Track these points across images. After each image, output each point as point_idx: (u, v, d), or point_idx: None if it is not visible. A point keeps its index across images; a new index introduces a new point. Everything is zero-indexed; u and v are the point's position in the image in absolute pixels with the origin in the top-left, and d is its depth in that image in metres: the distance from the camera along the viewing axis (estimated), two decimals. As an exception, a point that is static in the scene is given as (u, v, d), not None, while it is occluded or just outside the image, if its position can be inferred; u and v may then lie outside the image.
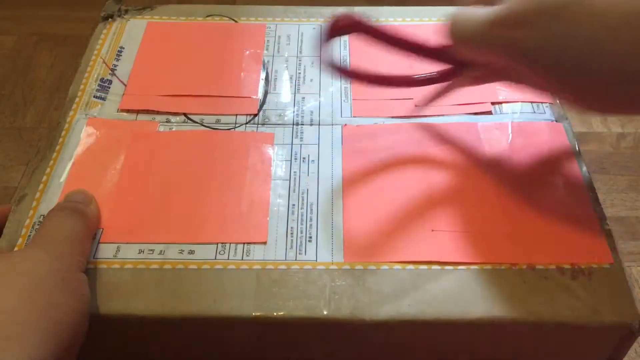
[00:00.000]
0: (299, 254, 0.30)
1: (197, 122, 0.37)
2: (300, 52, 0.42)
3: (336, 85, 0.39)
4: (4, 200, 0.50)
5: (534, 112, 0.37)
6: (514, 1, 0.26)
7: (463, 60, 0.31)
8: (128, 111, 0.38)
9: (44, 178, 0.34)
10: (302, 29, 0.43)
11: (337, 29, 0.28)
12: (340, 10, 0.45)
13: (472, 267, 0.30)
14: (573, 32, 0.24)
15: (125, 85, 0.39)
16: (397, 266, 0.30)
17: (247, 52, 0.41)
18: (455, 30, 0.29)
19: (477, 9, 0.28)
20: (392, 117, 0.37)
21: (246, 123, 0.37)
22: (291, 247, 0.31)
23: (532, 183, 0.33)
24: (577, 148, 0.35)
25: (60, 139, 0.36)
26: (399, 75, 0.34)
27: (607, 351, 0.30)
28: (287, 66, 0.41)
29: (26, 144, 0.56)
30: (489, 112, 0.37)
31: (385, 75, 0.34)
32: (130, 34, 0.43)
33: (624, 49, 0.23)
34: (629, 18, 0.23)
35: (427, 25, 0.43)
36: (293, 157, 0.35)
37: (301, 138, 0.36)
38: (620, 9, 0.23)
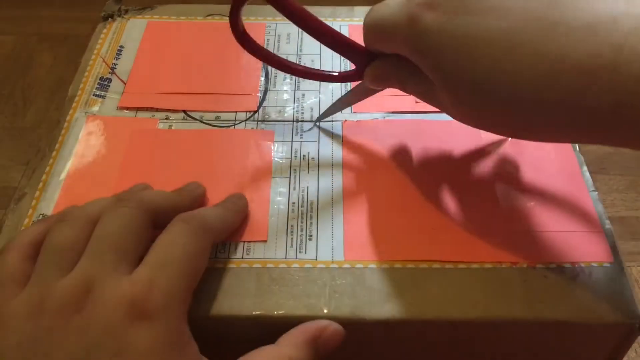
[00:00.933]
0: (299, 252, 0.30)
1: (196, 119, 0.37)
2: (301, 50, 0.41)
3: (336, 83, 0.39)
4: (4, 200, 0.50)
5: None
6: None
7: (370, 59, 0.30)
8: (127, 109, 0.37)
9: (44, 176, 0.34)
10: (302, 28, 0.43)
11: None
12: (341, 9, 0.45)
13: (473, 265, 0.30)
14: (470, 25, 0.23)
15: (125, 84, 0.39)
16: (398, 264, 0.30)
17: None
18: (369, 14, 0.28)
19: None
20: (392, 113, 0.37)
21: (246, 120, 0.37)
22: (291, 245, 0.31)
23: (532, 182, 0.33)
24: (577, 147, 0.35)
25: (60, 137, 0.36)
26: (303, 66, 0.34)
27: (607, 350, 0.30)
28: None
29: (26, 144, 0.56)
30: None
31: (286, 61, 0.33)
32: (130, 33, 0.43)
33: (517, 58, 0.22)
34: (524, 24, 0.22)
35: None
36: (293, 155, 0.35)
37: (301, 135, 0.36)
38: (518, 9, 0.23)
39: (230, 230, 0.31)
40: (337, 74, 0.33)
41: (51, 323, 0.24)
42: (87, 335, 0.23)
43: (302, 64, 0.40)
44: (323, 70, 0.33)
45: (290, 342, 0.27)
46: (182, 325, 0.25)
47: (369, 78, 0.31)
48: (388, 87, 0.32)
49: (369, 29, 0.29)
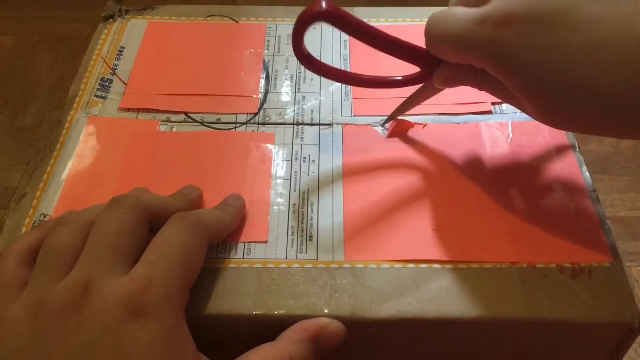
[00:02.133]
0: (300, 252, 0.30)
1: (197, 121, 0.37)
2: (301, 51, 0.42)
3: (336, 85, 0.39)
4: (4, 200, 0.51)
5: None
6: (502, 1, 0.26)
7: (434, 62, 0.31)
8: (128, 110, 0.38)
9: (45, 176, 0.34)
10: (302, 29, 0.43)
11: (310, 15, 0.28)
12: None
13: (473, 265, 0.30)
14: (557, 41, 0.24)
15: (126, 85, 0.39)
16: (398, 265, 0.30)
17: (248, 52, 0.41)
18: (436, 27, 0.29)
19: (460, 8, 0.28)
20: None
21: (246, 122, 0.37)
22: (292, 245, 0.31)
23: (532, 182, 0.33)
24: (577, 147, 0.35)
25: (61, 138, 0.36)
26: (367, 76, 0.34)
27: (608, 349, 0.30)
28: (287, 65, 0.41)
29: (26, 144, 0.56)
30: (489, 112, 0.37)
31: (351, 73, 0.34)
32: (130, 34, 0.43)
33: (610, 68, 0.23)
34: (617, 36, 0.23)
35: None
36: (293, 157, 0.35)
37: (302, 138, 0.36)
38: (607, 23, 0.23)
39: (227, 231, 0.31)
40: (402, 78, 0.33)
41: (50, 325, 0.24)
42: (86, 335, 0.23)
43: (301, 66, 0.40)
44: (389, 77, 0.33)
45: (291, 338, 0.27)
46: (179, 321, 0.25)
47: (440, 80, 0.31)
48: (460, 86, 0.32)
49: (439, 42, 0.29)
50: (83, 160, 0.35)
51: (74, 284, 0.24)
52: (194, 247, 0.27)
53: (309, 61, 0.30)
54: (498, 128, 0.36)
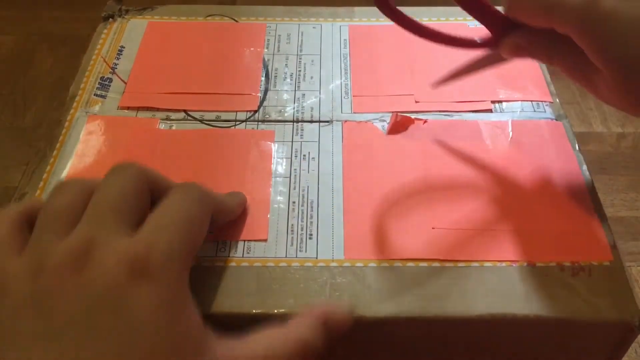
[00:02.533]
0: (300, 251, 0.30)
1: (197, 119, 0.37)
2: (301, 50, 0.42)
3: (336, 83, 0.39)
4: (4, 200, 0.51)
5: (534, 110, 0.37)
6: None
7: (507, 26, 0.29)
8: (128, 108, 0.38)
9: (44, 175, 0.34)
10: (302, 29, 0.43)
11: None
12: (341, 10, 0.45)
13: (473, 264, 0.30)
14: None
15: (126, 84, 0.39)
16: (398, 263, 0.30)
17: (247, 51, 0.41)
18: None
19: None
20: (393, 113, 0.37)
21: (246, 119, 0.37)
22: (292, 244, 0.31)
23: (532, 181, 0.33)
24: (576, 146, 0.35)
25: (61, 137, 0.36)
26: (443, 32, 0.32)
27: (608, 348, 0.30)
28: (287, 64, 0.41)
29: (26, 144, 0.56)
30: (489, 110, 0.37)
31: (428, 28, 0.32)
32: (130, 33, 0.43)
33: None
34: None
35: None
36: (293, 155, 0.35)
37: (301, 135, 0.36)
38: None
39: (230, 215, 0.31)
40: (479, 41, 0.31)
41: (51, 282, 0.23)
42: (88, 294, 0.23)
43: (302, 64, 0.41)
44: (457, 36, 0.31)
45: (300, 323, 0.26)
46: (182, 287, 0.24)
47: (509, 48, 0.29)
48: (528, 58, 0.30)
49: (529, 2, 0.27)
50: (83, 159, 0.35)
51: (76, 243, 0.24)
52: (197, 216, 0.26)
53: (394, 14, 0.30)
54: (498, 127, 0.36)
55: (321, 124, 0.37)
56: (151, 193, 0.27)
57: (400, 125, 0.36)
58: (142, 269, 0.23)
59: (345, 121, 0.37)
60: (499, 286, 0.29)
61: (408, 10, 0.44)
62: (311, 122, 0.37)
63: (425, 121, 0.36)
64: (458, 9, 0.44)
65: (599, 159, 0.59)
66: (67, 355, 0.22)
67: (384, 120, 0.36)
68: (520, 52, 0.29)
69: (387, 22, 0.43)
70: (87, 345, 0.22)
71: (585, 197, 0.32)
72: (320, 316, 0.27)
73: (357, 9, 0.45)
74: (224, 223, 0.31)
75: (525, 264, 0.30)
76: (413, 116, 0.36)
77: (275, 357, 0.25)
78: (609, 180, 0.58)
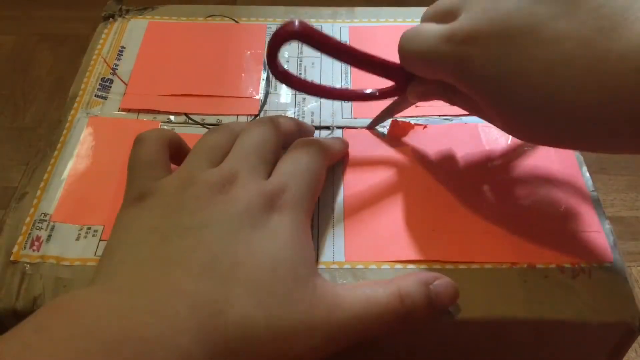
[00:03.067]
0: None
1: (198, 123, 0.37)
2: (301, 52, 0.42)
3: (337, 87, 0.39)
4: (4, 200, 0.51)
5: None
6: (469, 17, 0.27)
7: (408, 76, 0.32)
8: (129, 110, 0.38)
9: (45, 176, 0.34)
10: (302, 29, 0.43)
11: (283, 35, 0.29)
12: (341, 10, 0.45)
13: (473, 266, 0.30)
14: (522, 57, 0.24)
15: (126, 85, 0.39)
16: (398, 265, 0.30)
17: (248, 53, 0.41)
18: (408, 43, 0.30)
19: (430, 25, 0.29)
20: (393, 118, 0.37)
21: (247, 123, 0.37)
22: (292, 246, 0.31)
23: (532, 182, 0.33)
24: (576, 148, 0.35)
25: (62, 138, 0.36)
26: (341, 89, 0.36)
27: (608, 350, 0.30)
28: (287, 67, 0.41)
29: (26, 144, 0.56)
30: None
31: (327, 87, 0.35)
32: (131, 33, 0.43)
33: (575, 83, 0.23)
34: (582, 52, 0.23)
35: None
36: (294, 157, 0.35)
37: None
38: (573, 39, 0.23)
39: (340, 157, 0.34)
40: (377, 92, 0.34)
41: (199, 192, 0.27)
42: (230, 208, 0.27)
43: (302, 66, 0.41)
44: (362, 91, 0.34)
45: (403, 277, 0.28)
46: (306, 222, 0.28)
47: (413, 95, 0.33)
48: (432, 100, 0.33)
49: (410, 57, 0.30)
50: (84, 160, 0.35)
51: (223, 172, 0.28)
52: (317, 169, 0.30)
53: (286, 78, 0.32)
54: (497, 130, 0.36)
55: (322, 131, 0.37)
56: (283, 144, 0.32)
57: (400, 130, 0.36)
58: (276, 204, 0.27)
59: (345, 128, 0.37)
60: (499, 288, 0.29)
61: (405, 11, 0.44)
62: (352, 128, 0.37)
63: (425, 126, 0.36)
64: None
65: (599, 159, 0.59)
66: (204, 245, 0.25)
67: (384, 126, 0.37)
68: (424, 97, 0.33)
69: (387, 24, 0.44)
70: (225, 240, 0.26)
71: (586, 198, 0.32)
72: (425, 277, 0.28)
73: (357, 9, 0.45)
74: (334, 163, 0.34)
75: (525, 265, 0.30)
76: (413, 121, 0.36)
77: (376, 301, 0.26)
78: (609, 180, 0.58)
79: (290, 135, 0.32)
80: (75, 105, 0.38)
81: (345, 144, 0.35)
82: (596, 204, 0.32)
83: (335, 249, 0.31)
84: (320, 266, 0.30)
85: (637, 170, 0.59)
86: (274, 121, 0.32)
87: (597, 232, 0.31)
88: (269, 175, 0.29)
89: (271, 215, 0.27)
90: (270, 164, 0.30)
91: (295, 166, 0.29)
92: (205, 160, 0.29)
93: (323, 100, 0.38)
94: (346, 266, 0.30)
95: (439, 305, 0.27)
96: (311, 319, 0.25)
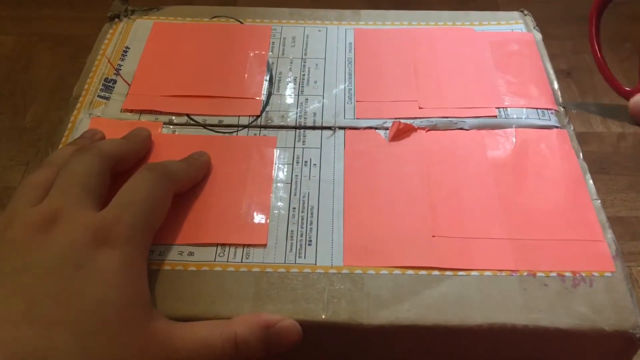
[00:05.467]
0: (299, 257, 0.31)
1: (199, 123, 0.38)
2: (305, 54, 0.42)
3: (340, 87, 0.40)
4: (4, 200, 0.51)
5: (539, 117, 0.37)
6: None
7: None
8: (131, 111, 0.38)
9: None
10: (307, 31, 0.44)
11: None
12: (346, 13, 0.45)
13: (472, 273, 0.30)
14: None
15: (129, 85, 0.40)
16: (397, 271, 0.30)
17: (252, 54, 0.42)
18: None
19: None
20: (396, 119, 0.37)
21: (249, 124, 0.37)
22: (291, 250, 0.31)
23: (535, 189, 0.34)
24: (580, 155, 0.35)
25: (64, 138, 0.37)
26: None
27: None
28: (291, 68, 0.41)
29: (26, 144, 0.57)
30: (494, 116, 0.37)
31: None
32: (136, 34, 0.43)
33: None
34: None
35: (431, 28, 0.44)
36: (295, 161, 0.35)
37: (303, 142, 0.36)
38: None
39: (192, 183, 0.33)
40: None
41: (15, 236, 0.26)
42: (50, 248, 0.26)
43: (306, 67, 0.41)
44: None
45: (242, 320, 0.28)
46: (141, 259, 0.27)
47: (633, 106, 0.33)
48: None
49: None
50: (84, 161, 0.35)
51: (44, 209, 0.27)
52: (160, 195, 0.30)
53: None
54: (501, 135, 0.36)
55: (324, 132, 0.37)
56: (112, 170, 0.31)
57: (402, 132, 0.36)
58: (106, 238, 0.26)
59: (348, 129, 0.37)
60: (498, 296, 0.29)
61: (417, 15, 0.45)
62: (313, 128, 0.37)
63: (428, 130, 0.37)
64: (464, 13, 0.45)
65: (599, 159, 0.59)
66: (22, 290, 0.24)
67: (387, 128, 0.37)
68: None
69: (393, 27, 0.44)
70: (44, 283, 0.25)
71: (589, 206, 0.33)
72: (266, 321, 0.28)
73: (363, 11, 0.45)
74: (187, 190, 0.33)
75: (525, 273, 0.30)
76: (417, 122, 0.37)
77: (211, 346, 0.27)
78: (609, 180, 0.58)
79: (117, 157, 0.32)
80: (78, 105, 0.39)
81: (202, 166, 0.34)
82: (599, 212, 0.32)
83: (334, 254, 0.31)
84: (318, 270, 0.30)
85: (637, 170, 0.59)
86: (96, 147, 0.31)
87: (600, 241, 0.31)
88: (102, 203, 0.28)
89: (100, 250, 0.26)
90: (99, 192, 0.29)
91: (132, 195, 0.29)
92: (25, 201, 0.28)
93: (326, 101, 0.39)
94: (344, 271, 0.30)
95: (276, 349, 0.28)
96: None
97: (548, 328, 0.28)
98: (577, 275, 0.30)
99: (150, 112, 0.38)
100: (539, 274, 0.30)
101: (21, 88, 0.64)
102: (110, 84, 0.40)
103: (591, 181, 0.34)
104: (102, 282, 0.25)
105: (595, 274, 0.30)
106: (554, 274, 0.30)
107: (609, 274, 0.30)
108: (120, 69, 0.41)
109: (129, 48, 0.43)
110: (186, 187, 0.33)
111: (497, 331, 0.29)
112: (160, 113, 0.38)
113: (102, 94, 0.39)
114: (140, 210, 0.28)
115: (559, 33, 0.77)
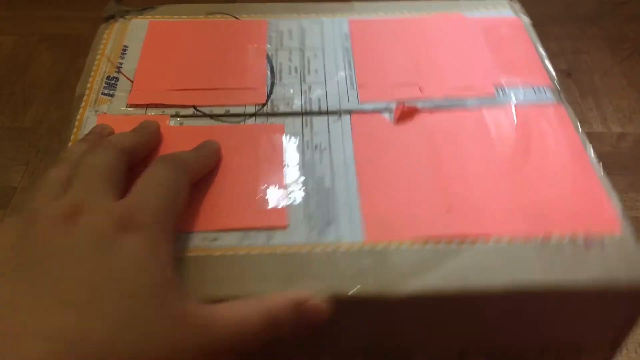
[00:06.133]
0: (321, 236, 0.31)
1: (206, 114, 0.37)
2: (303, 45, 0.42)
3: (341, 74, 0.39)
4: (4, 200, 0.50)
5: (535, 94, 0.38)
6: None
7: None
8: (137, 106, 0.38)
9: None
10: (302, 24, 0.44)
11: None
12: (340, 5, 0.46)
13: (490, 241, 0.30)
14: None
15: (132, 82, 0.39)
16: (417, 245, 0.30)
17: (251, 46, 0.41)
18: None
19: None
20: (399, 101, 0.37)
21: (255, 113, 0.37)
22: (311, 231, 0.31)
23: (539, 161, 0.34)
24: (579, 128, 0.36)
25: (72, 136, 0.36)
26: None
27: (620, 321, 0.31)
28: (290, 58, 0.41)
29: (26, 144, 0.55)
30: (493, 96, 0.38)
31: None
32: (133, 33, 0.42)
33: None
34: None
35: (423, 17, 0.44)
36: (305, 146, 0.35)
37: (311, 127, 0.36)
38: None
39: (205, 171, 0.33)
40: None
41: (43, 229, 0.25)
42: (79, 237, 0.25)
43: (306, 57, 0.41)
44: None
45: (275, 299, 0.27)
46: (166, 242, 0.27)
47: None
48: None
49: None
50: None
51: (67, 202, 0.27)
52: (178, 183, 0.29)
53: None
54: (502, 113, 0.36)
55: (330, 117, 0.37)
56: (129, 163, 0.31)
57: (406, 114, 0.37)
58: (131, 224, 0.26)
59: (353, 112, 0.37)
60: (516, 261, 0.29)
61: (402, 5, 0.45)
62: (320, 114, 0.37)
63: (432, 111, 0.37)
64: (454, 2, 0.46)
65: (599, 159, 0.60)
66: (56, 277, 0.24)
67: (391, 110, 0.37)
68: None
69: (387, 17, 0.44)
70: (77, 270, 0.24)
71: (592, 173, 0.33)
72: (297, 298, 0.27)
73: (356, 4, 0.45)
74: (200, 178, 0.33)
75: (540, 237, 0.30)
76: (419, 104, 0.37)
77: (247, 324, 0.26)
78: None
79: (132, 149, 0.32)
80: (83, 104, 0.38)
81: (213, 154, 0.34)
82: (603, 178, 0.33)
83: (355, 230, 0.31)
84: (341, 249, 0.30)
85: (637, 170, 0.60)
86: (109, 141, 0.31)
87: (607, 205, 0.31)
88: (121, 195, 0.28)
89: (126, 235, 0.26)
90: (118, 184, 0.29)
91: (151, 184, 0.28)
92: (46, 197, 0.28)
93: (329, 87, 0.39)
94: (366, 247, 0.30)
95: (306, 326, 0.28)
96: (180, 340, 0.24)
97: (566, 289, 0.28)
98: (589, 237, 0.30)
99: (156, 105, 0.37)
100: (552, 238, 0.30)
101: (21, 88, 0.62)
102: (113, 82, 0.39)
103: (591, 149, 0.34)
104: (131, 265, 0.25)
105: (606, 235, 0.30)
106: (567, 237, 0.30)
107: (619, 234, 0.30)
108: (121, 67, 0.40)
109: (127, 47, 0.42)
110: (199, 175, 0.32)
111: (518, 295, 0.29)
112: (166, 106, 0.37)
113: (106, 91, 0.39)
114: (161, 197, 0.28)
115: (559, 33, 0.77)
